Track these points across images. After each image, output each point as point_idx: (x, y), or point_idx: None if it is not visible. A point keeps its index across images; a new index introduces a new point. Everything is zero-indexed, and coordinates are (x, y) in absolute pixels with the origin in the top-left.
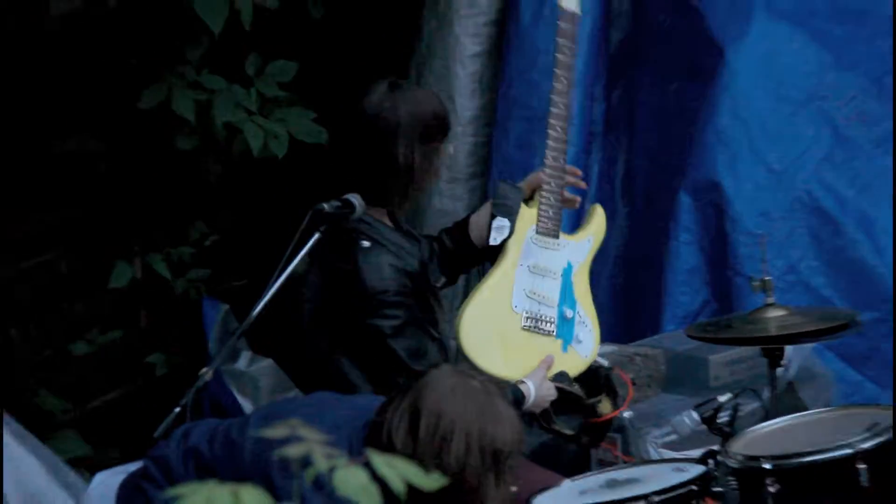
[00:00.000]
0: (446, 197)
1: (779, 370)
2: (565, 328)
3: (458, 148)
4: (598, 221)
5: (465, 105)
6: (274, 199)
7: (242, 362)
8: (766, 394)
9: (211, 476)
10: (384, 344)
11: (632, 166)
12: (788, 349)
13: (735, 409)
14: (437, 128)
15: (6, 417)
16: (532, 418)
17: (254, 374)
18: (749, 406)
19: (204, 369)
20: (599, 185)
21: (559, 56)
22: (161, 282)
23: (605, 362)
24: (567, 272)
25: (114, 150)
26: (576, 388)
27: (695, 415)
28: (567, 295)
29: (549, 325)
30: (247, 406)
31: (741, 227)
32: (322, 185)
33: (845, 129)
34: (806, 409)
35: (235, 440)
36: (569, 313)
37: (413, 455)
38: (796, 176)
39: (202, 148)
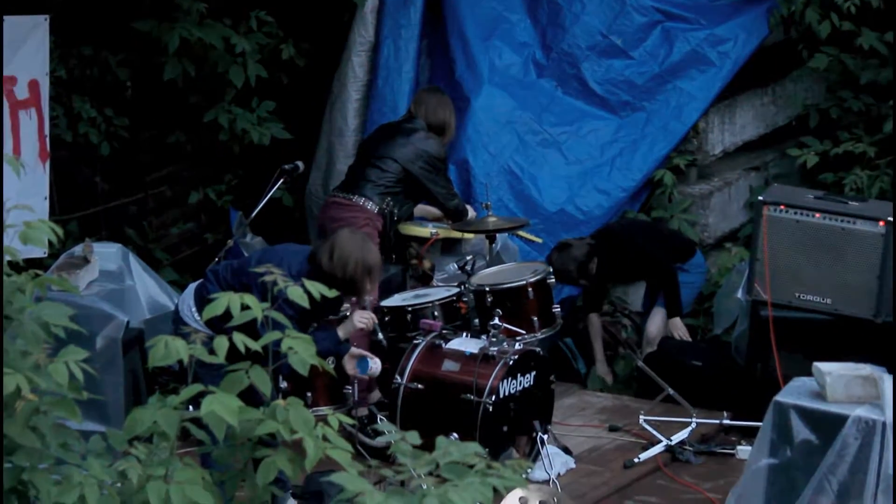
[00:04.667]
0: (344, 164)
1: (493, 245)
2: None
3: (348, 142)
4: None
5: (352, 122)
6: (262, 167)
7: (248, 237)
8: (487, 256)
9: (235, 280)
10: None
11: None
12: (497, 235)
13: (474, 262)
14: None
15: (138, 259)
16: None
17: (252, 244)
18: (480, 262)
19: (229, 241)
20: None
21: None
22: (211, 202)
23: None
24: None
25: (193, 140)
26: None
27: (456, 265)
28: None
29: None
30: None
31: (477, 180)
32: (282, 158)
33: (524, 136)
34: (504, 264)
35: (243, 268)
36: None
37: (331, 268)
38: (502, 157)
39: (231, 140)
